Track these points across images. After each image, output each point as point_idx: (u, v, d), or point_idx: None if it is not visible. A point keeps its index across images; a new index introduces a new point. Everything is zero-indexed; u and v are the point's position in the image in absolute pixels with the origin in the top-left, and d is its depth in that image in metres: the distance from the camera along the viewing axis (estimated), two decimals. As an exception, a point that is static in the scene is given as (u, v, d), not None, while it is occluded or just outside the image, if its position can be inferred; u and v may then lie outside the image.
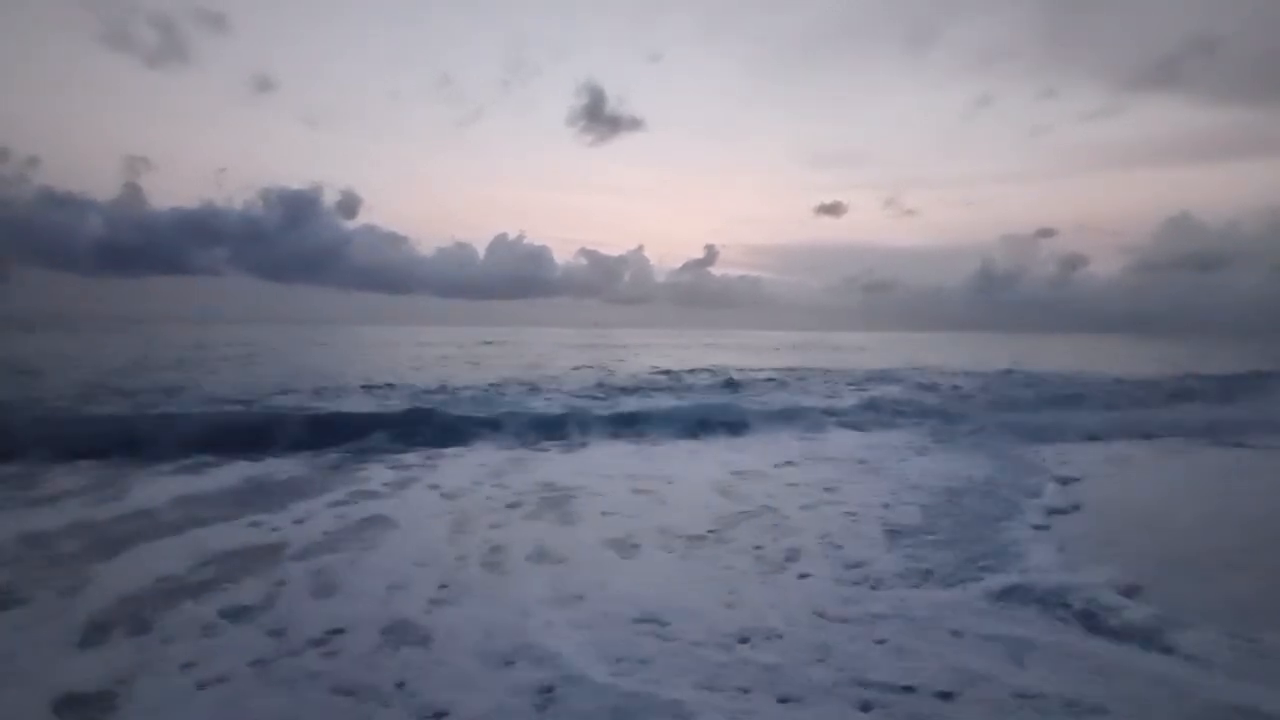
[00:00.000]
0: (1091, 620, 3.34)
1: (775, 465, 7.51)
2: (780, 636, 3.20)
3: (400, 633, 3.20)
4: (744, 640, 3.16)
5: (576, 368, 19.44)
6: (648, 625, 3.31)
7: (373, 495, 5.85)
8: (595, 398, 12.43)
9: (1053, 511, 5.47)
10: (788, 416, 10.38)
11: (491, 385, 13.64)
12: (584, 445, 8.52)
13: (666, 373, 17.62)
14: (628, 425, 9.43)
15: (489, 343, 33.23)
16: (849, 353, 31.42)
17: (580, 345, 33.97)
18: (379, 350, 26.18)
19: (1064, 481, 6.55)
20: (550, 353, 26.97)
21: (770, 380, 16.44)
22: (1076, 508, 5.64)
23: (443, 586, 3.78)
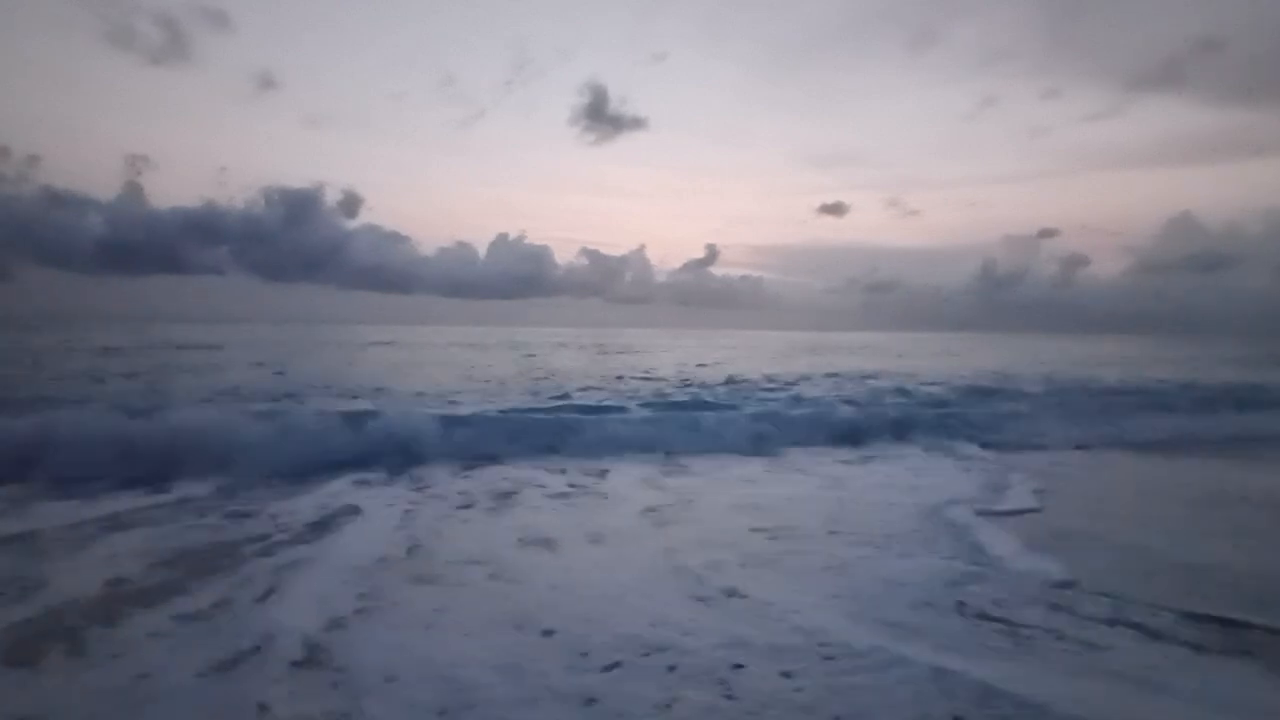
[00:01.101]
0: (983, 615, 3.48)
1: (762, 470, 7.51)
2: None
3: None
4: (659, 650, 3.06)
5: (571, 376, 19.44)
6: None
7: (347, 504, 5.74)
8: (586, 402, 12.44)
9: (986, 514, 5.46)
10: (780, 420, 10.26)
11: (500, 386, 13.65)
12: (559, 451, 8.28)
13: (657, 379, 17.58)
14: (623, 430, 9.32)
15: (498, 344, 33.21)
16: (848, 353, 31.35)
17: (581, 345, 33.97)
18: (378, 351, 26.22)
19: (1011, 487, 6.51)
20: (552, 352, 27.02)
21: (770, 383, 16.49)
22: (1017, 513, 5.58)
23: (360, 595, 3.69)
